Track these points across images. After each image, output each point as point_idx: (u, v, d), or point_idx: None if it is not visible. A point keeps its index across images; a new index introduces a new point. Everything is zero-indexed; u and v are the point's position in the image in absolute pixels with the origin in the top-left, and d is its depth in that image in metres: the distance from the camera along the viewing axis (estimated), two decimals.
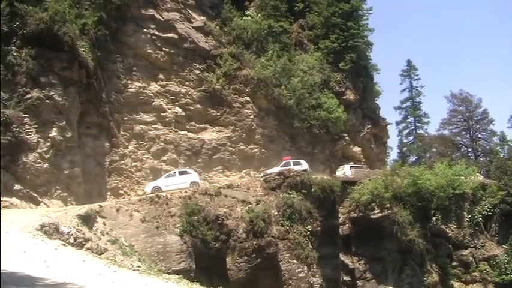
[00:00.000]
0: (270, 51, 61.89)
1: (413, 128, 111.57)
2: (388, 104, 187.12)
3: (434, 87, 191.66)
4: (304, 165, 53.26)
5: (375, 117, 74.94)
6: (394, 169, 63.99)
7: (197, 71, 56.05)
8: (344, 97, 67.90)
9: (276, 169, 52.46)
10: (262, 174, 52.88)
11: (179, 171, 48.76)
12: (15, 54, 40.78)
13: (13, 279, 16.07)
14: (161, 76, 54.16)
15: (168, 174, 48.87)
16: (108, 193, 47.45)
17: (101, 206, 37.74)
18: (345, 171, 61.83)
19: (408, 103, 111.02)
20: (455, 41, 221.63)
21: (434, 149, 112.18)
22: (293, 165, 52.89)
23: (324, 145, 64.87)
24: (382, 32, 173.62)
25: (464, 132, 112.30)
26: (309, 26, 71.49)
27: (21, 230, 27.04)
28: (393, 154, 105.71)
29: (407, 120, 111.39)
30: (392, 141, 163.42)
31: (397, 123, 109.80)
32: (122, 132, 50.43)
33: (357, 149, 69.35)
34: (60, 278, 17.69)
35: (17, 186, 38.99)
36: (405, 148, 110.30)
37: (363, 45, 72.15)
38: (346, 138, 67.52)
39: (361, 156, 69.82)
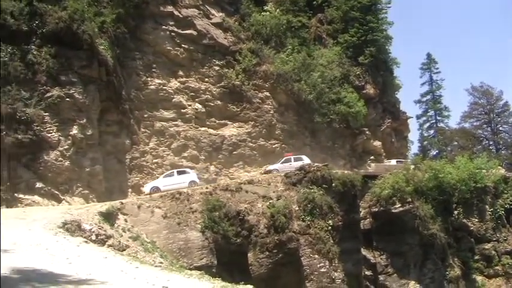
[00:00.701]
0: (289, 46, 61.53)
1: (433, 121, 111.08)
2: (408, 98, 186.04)
3: (455, 80, 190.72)
4: (305, 160, 52.11)
5: (395, 111, 74.45)
6: (415, 163, 63.50)
7: (216, 67, 55.89)
8: (364, 91, 67.56)
9: (276, 166, 52.73)
10: (262, 171, 52.79)
11: (177, 171, 48.13)
12: (35, 53, 40.88)
13: (36, 275, 16.06)
14: (181, 73, 54.04)
15: (166, 174, 48.46)
16: (129, 190, 47.51)
17: (122, 203, 37.69)
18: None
19: (428, 96, 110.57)
20: (475, 33, 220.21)
21: (455, 143, 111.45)
22: (294, 161, 52.15)
23: (344, 140, 64.55)
24: (401, 26, 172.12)
25: (485, 125, 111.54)
26: (328, 21, 71.05)
27: (44, 228, 27.03)
28: (414, 148, 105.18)
29: (428, 113, 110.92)
30: (413, 135, 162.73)
31: (418, 117, 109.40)
32: (143, 129, 50.43)
33: (377, 143, 68.90)
34: (83, 274, 17.56)
35: (38, 184, 39.19)
36: (426, 142, 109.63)
37: (382, 39, 71.69)
38: (367, 132, 67.14)
39: (382, 150, 69.39)
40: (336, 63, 65.49)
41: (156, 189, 44.58)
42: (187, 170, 48.85)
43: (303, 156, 53.47)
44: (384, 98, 71.69)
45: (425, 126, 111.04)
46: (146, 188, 46.11)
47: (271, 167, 52.91)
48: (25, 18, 40.97)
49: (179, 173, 47.52)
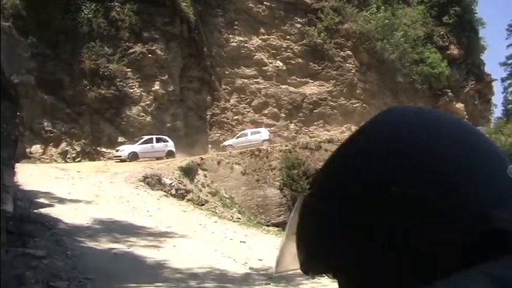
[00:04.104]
0: (372, 5, 59.22)
1: None
2: (494, 60, 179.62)
3: None
4: (263, 134, 46.63)
5: (480, 73, 71.25)
6: (498, 127, 60.56)
7: (298, 25, 54.17)
8: (448, 52, 64.73)
9: (233, 140, 46.32)
10: (222, 145, 46.70)
11: (156, 138, 41.34)
12: (118, 10, 41.08)
13: (117, 227, 16.95)
14: (262, 30, 52.77)
15: (144, 140, 40.94)
16: (210, 146, 46.99)
17: (202, 159, 37.25)
18: None
19: None
20: None
21: None
22: (251, 135, 46.37)
23: (426, 101, 62.09)
24: None
25: None
26: None
27: (125, 181, 27.59)
28: (497, 111, 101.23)
29: None
30: (497, 98, 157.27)
31: (502, 80, 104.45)
32: (224, 86, 49.70)
33: (460, 105, 66.23)
34: (162, 227, 18.16)
35: (120, 139, 40.03)
36: (510, 105, 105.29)
37: None
38: (449, 94, 64.52)
39: (465, 112, 66.69)
40: (420, 22, 62.84)
41: (133, 155, 39.27)
42: (166, 138, 42.19)
43: (262, 129, 47.92)
44: (468, 59, 68.57)
45: (510, 89, 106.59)
46: (124, 153, 39.55)
47: (226, 143, 46.53)
48: None
49: (158, 140, 41.48)
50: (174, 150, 41.01)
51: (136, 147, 39.47)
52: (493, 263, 0.82)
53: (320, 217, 0.99)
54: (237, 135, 46.98)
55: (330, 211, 0.97)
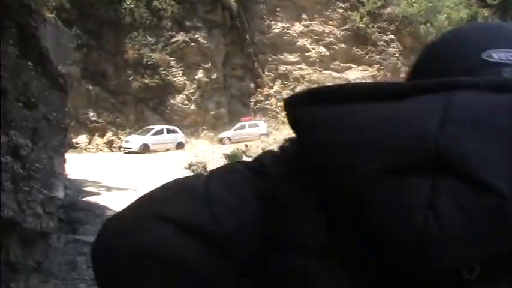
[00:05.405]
0: None
1: None
2: None
3: None
4: (262, 127, 44.58)
5: None
6: None
7: (340, 10, 53.34)
8: None
9: (230, 132, 43.51)
10: (219, 137, 43.78)
11: (167, 129, 40.24)
12: None
13: None
14: (304, 16, 52.10)
15: (155, 131, 39.85)
16: None
17: (247, 146, 37.12)
18: None
19: None
20: None
21: None
22: (248, 127, 44.14)
23: None
24: None
25: None
26: None
27: (170, 168, 27.04)
28: None
29: None
30: None
31: None
32: (267, 73, 49.42)
33: None
34: None
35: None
36: None
37: None
38: None
39: None
40: (464, 4, 61.49)
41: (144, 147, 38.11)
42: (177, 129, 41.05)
43: (260, 122, 45.69)
44: None
45: None
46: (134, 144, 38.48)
47: (223, 135, 43.59)
48: None
49: (168, 131, 40.48)
50: (184, 141, 40.14)
51: (148, 139, 38.58)
52: None
53: None
54: (235, 126, 44.02)
55: None
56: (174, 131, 40.15)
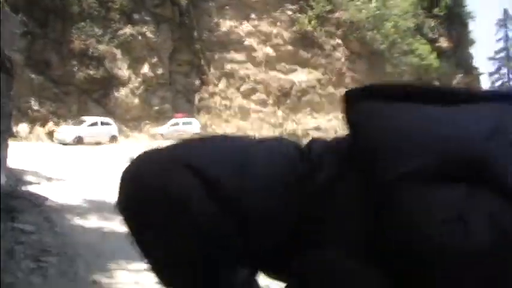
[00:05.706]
0: None
1: (506, 80, 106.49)
2: (482, 54, 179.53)
3: None
4: (195, 126, 43.43)
5: (468, 67, 71.11)
6: None
7: (289, 12, 53.74)
8: (437, 44, 64.52)
9: (164, 128, 42.34)
10: (153, 133, 43.27)
11: (101, 121, 38.82)
12: None
13: (107, 206, 16.13)
14: (253, 16, 52.28)
15: (90, 123, 38.28)
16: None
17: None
18: None
19: (502, 54, 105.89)
20: None
21: None
22: (182, 124, 42.81)
23: None
24: None
25: None
26: None
27: (114, 161, 27.04)
28: None
29: (501, 71, 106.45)
30: None
31: (490, 74, 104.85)
32: (213, 71, 49.19)
33: None
34: None
35: None
36: None
37: None
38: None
39: None
40: (411, 13, 62.51)
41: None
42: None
43: (193, 120, 44.62)
44: (457, 52, 68.49)
45: (497, 84, 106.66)
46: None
47: (157, 130, 42.60)
48: None
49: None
50: (117, 134, 39.15)
51: (82, 131, 36.94)
52: None
53: None
54: (169, 123, 42.66)
55: None
56: (108, 123, 38.79)
